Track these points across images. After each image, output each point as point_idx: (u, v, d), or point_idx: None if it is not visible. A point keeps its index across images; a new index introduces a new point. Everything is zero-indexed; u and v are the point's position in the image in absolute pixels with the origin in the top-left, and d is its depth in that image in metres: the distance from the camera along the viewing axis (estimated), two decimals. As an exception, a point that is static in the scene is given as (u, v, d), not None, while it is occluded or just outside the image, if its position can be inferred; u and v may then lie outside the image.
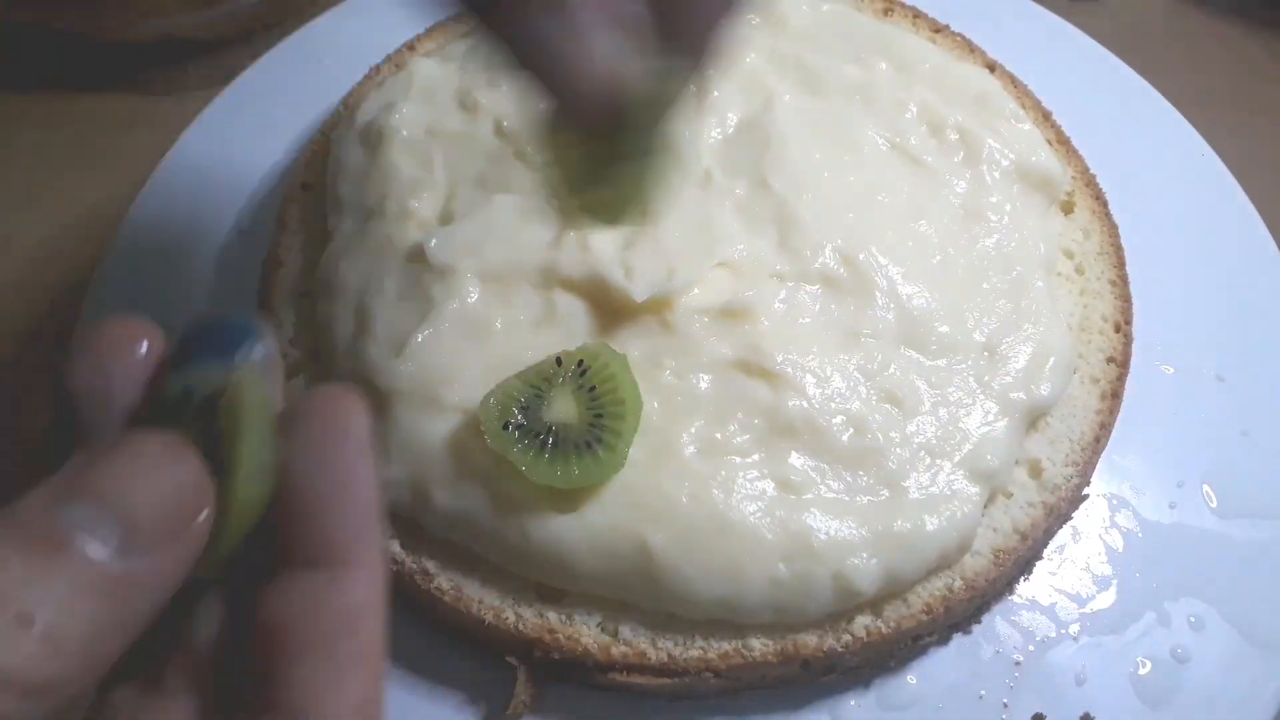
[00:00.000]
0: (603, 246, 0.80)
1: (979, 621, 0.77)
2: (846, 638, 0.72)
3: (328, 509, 0.40)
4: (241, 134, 0.99)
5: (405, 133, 0.88)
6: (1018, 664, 0.75)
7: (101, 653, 0.36)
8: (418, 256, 0.81)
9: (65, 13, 1.06)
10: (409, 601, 0.76)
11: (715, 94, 0.89)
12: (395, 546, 0.75)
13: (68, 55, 1.11)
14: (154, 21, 1.08)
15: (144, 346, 0.42)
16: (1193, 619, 0.77)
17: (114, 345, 0.41)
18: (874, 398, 0.75)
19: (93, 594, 0.35)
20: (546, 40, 0.49)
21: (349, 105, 0.96)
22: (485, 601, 0.74)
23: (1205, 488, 0.82)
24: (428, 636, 0.76)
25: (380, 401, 0.76)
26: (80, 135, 1.08)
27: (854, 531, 0.71)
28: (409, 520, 0.76)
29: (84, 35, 1.09)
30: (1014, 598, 0.78)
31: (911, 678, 0.75)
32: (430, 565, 0.75)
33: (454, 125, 0.89)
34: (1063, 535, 0.80)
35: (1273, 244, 0.91)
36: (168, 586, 0.37)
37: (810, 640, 0.72)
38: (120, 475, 0.37)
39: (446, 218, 0.84)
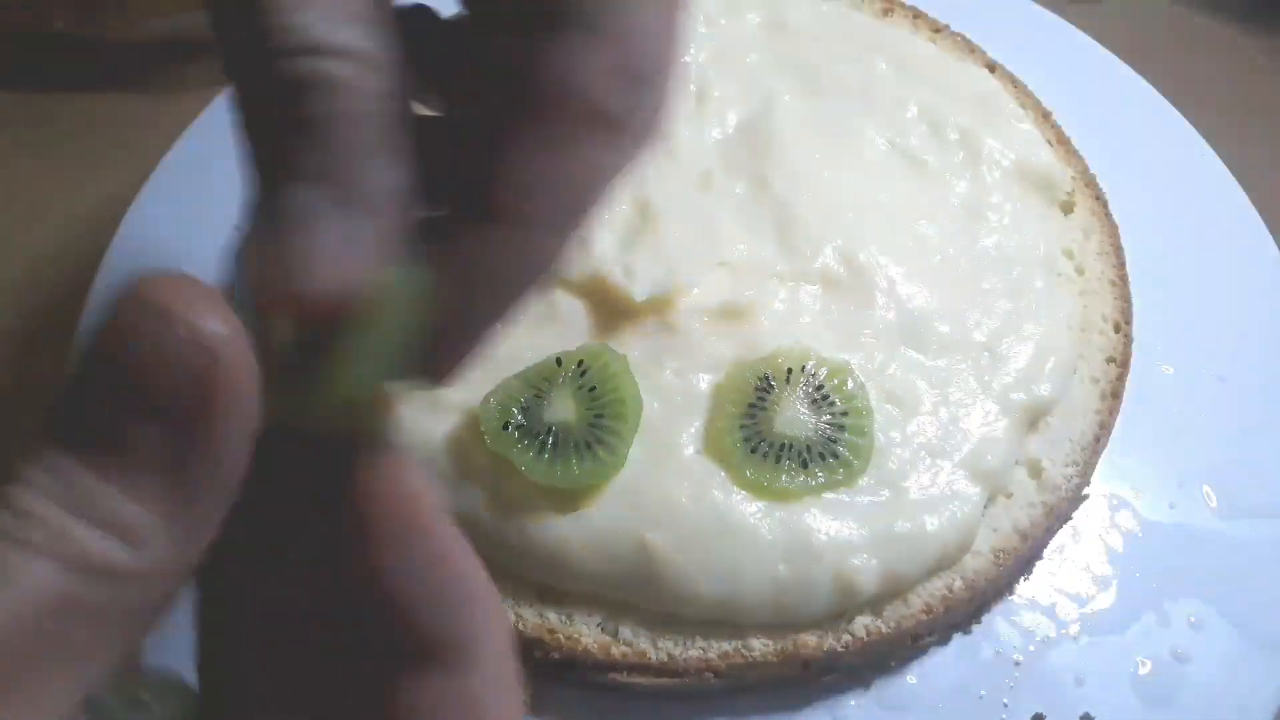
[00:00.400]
0: (602, 247, 0.80)
1: (979, 621, 0.77)
2: (847, 638, 0.72)
3: (438, 606, 0.36)
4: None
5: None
6: (1018, 664, 0.75)
7: (185, 539, 0.33)
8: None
9: (64, 13, 1.06)
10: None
11: (716, 94, 0.89)
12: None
13: (67, 55, 1.11)
14: (155, 22, 1.08)
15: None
16: (1193, 619, 0.77)
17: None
18: (874, 397, 0.75)
19: (150, 479, 0.32)
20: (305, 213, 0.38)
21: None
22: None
23: (1205, 488, 0.82)
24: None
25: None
26: (80, 135, 1.08)
27: (854, 531, 0.71)
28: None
29: (84, 36, 1.09)
30: (1014, 598, 0.78)
31: (911, 678, 0.75)
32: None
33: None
34: (1063, 535, 0.80)
35: (1273, 244, 0.91)
36: (232, 455, 0.33)
37: (811, 640, 0.72)
38: (140, 358, 0.32)
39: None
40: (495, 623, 0.38)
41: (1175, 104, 0.98)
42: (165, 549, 0.32)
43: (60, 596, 0.30)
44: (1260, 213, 0.93)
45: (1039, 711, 0.74)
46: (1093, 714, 0.74)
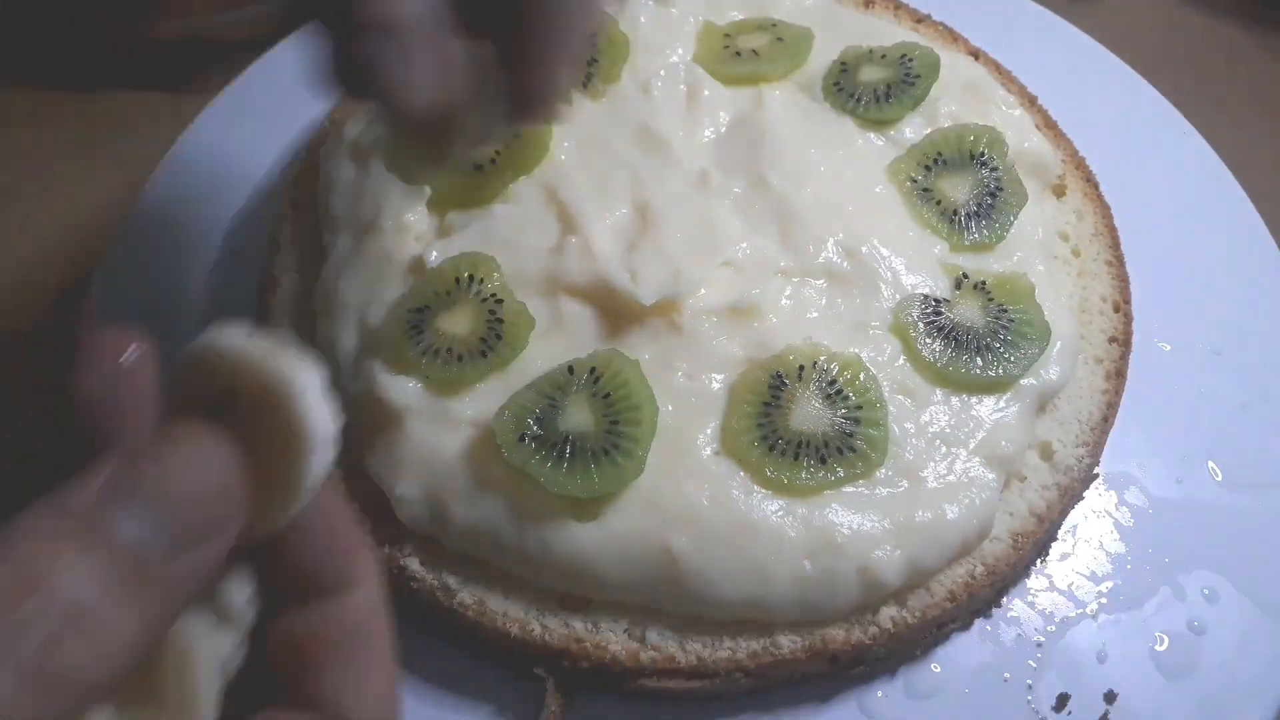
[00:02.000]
0: (607, 252, 0.80)
1: (999, 605, 0.78)
2: (874, 629, 0.72)
3: (320, 546, 0.45)
4: (235, 141, 0.99)
5: (395, 144, 0.87)
6: (1039, 645, 0.76)
7: (146, 646, 0.37)
8: (418, 269, 0.80)
9: (83, 12, 1.05)
10: (433, 619, 0.75)
11: (706, 93, 0.89)
12: (415, 564, 0.75)
13: (68, 55, 1.09)
14: (177, 21, 1.07)
15: (138, 353, 0.42)
16: (1206, 591, 0.78)
17: (115, 354, 0.42)
18: (886, 389, 0.76)
19: (146, 591, 0.36)
20: (378, 60, 0.54)
21: (336, 120, 0.94)
22: (510, 614, 0.73)
23: (1210, 463, 0.83)
24: (453, 653, 0.75)
25: (391, 419, 0.75)
26: (80, 134, 1.07)
27: (876, 524, 0.72)
28: (428, 538, 0.75)
29: (110, 34, 1.08)
30: (1031, 580, 0.79)
31: (936, 665, 0.76)
32: (451, 581, 0.74)
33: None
34: (1075, 515, 0.81)
35: (1260, 219, 0.93)
36: (211, 573, 0.39)
37: (838, 634, 0.72)
38: (168, 472, 0.38)
39: (445, 230, 0.84)
40: (367, 553, 0.46)
41: (1175, 104, 0.99)
42: (134, 655, 0.36)
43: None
44: (1261, 213, 0.94)
45: (1063, 691, 0.74)
46: (1115, 690, 0.74)
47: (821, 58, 0.92)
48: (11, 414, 0.93)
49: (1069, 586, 0.78)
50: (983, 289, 0.80)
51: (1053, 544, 0.80)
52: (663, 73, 0.90)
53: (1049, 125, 0.95)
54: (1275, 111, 1.11)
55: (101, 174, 1.04)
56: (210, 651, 0.40)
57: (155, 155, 0.95)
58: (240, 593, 0.42)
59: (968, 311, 0.79)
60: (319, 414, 0.40)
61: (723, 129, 0.88)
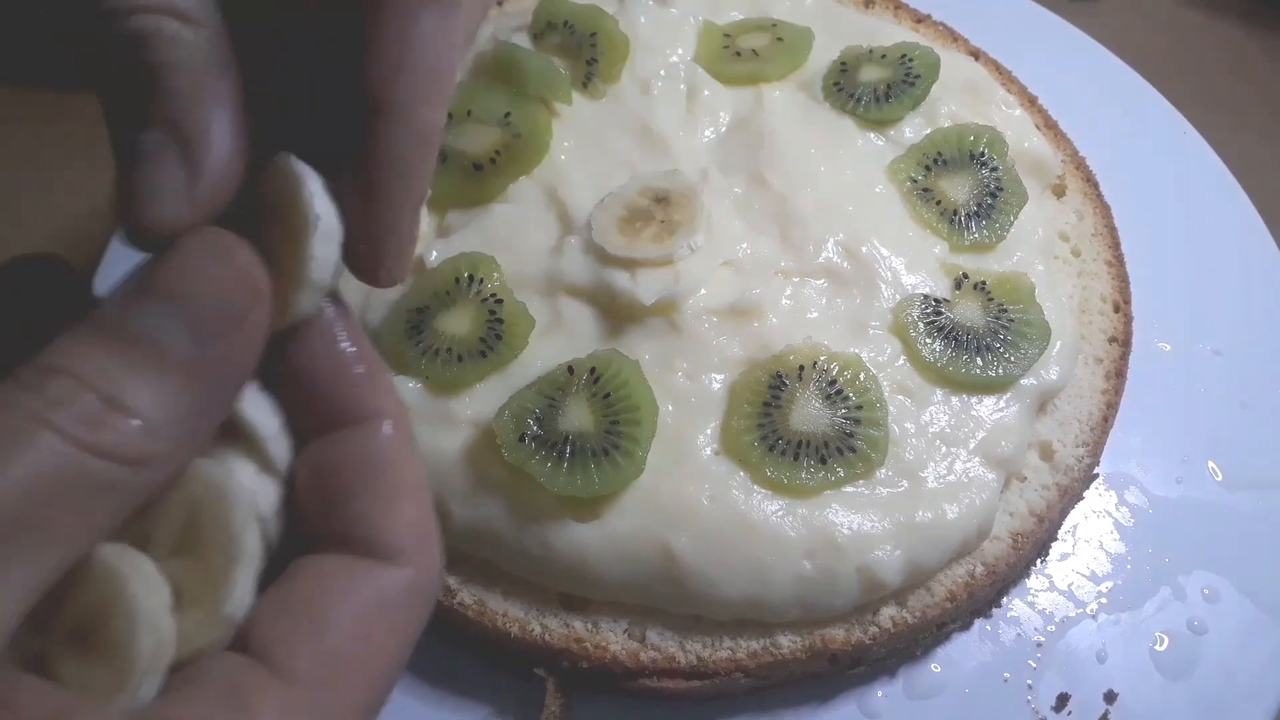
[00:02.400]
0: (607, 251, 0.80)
1: (999, 605, 0.78)
2: (874, 629, 0.72)
3: (341, 372, 0.45)
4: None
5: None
6: (1039, 645, 0.76)
7: (193, 430, 0.40)
8: (418, 269, 0.80)
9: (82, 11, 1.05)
10: (433, 619, 0.75)
11: (705, 93, 0.89)
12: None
13: (67, 55, 1.09)
14: None
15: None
16: (1206, 591, 0.78)
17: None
18: (886, 389, 0.76)
19: (175, 379, 0.39)
20: None
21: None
22: (510, 614, 0.73)
23: (1210, 463, 0.83)
24: (453, 653, 0.75)
25: (391, 419, 0.75)
26: (80, 134, 1.06)
27: (876, 524, 0.72)
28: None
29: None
30: (1031, 580, 0.79)
31: (936, 666, 0.76)
32: (451, 581, 0.74)
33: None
34: (1075, 515, 0.81)
35: (1259, 219, 0.93)
36: (244, 364, 0.41)
37: (838, 634, 0.72)
38: (182, 273, 0.40)
39: (444, 229, 0.84)
40: (388, 392, 0.46)
41: (1175, 104, 1.00)
42: (174, 440, 0.39)
43: (68, 469, 0.36)
44: (1261, 213, 0.94)
45: (1063, 691, 0.74)
46: (1116, 690, 0.74)
47: (821, 58, 0.92)
48: None
49: (1069, 586, 0.78)
50: (983, 289, 0.80)
51: (1053, 544, 0.80)
52: (663, 73, 0.90)
53: (1049, 125, 0.95)
54: (1275, 111, 1.11)
55: (101, 174, 1.04)
56: (248, 499, 0.42)
57: None
58: (269, 420, 0.43)
59: (968, 311, 0.79)
60: (320, 201, 0.43)
61: (723, 129, 0.88)
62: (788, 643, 0.72)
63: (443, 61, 0.45)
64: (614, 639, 0.73)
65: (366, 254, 0.44)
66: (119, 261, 0.89)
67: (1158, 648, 0.76)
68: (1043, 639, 0.76)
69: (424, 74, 0.44)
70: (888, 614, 0.73)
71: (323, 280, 0.43)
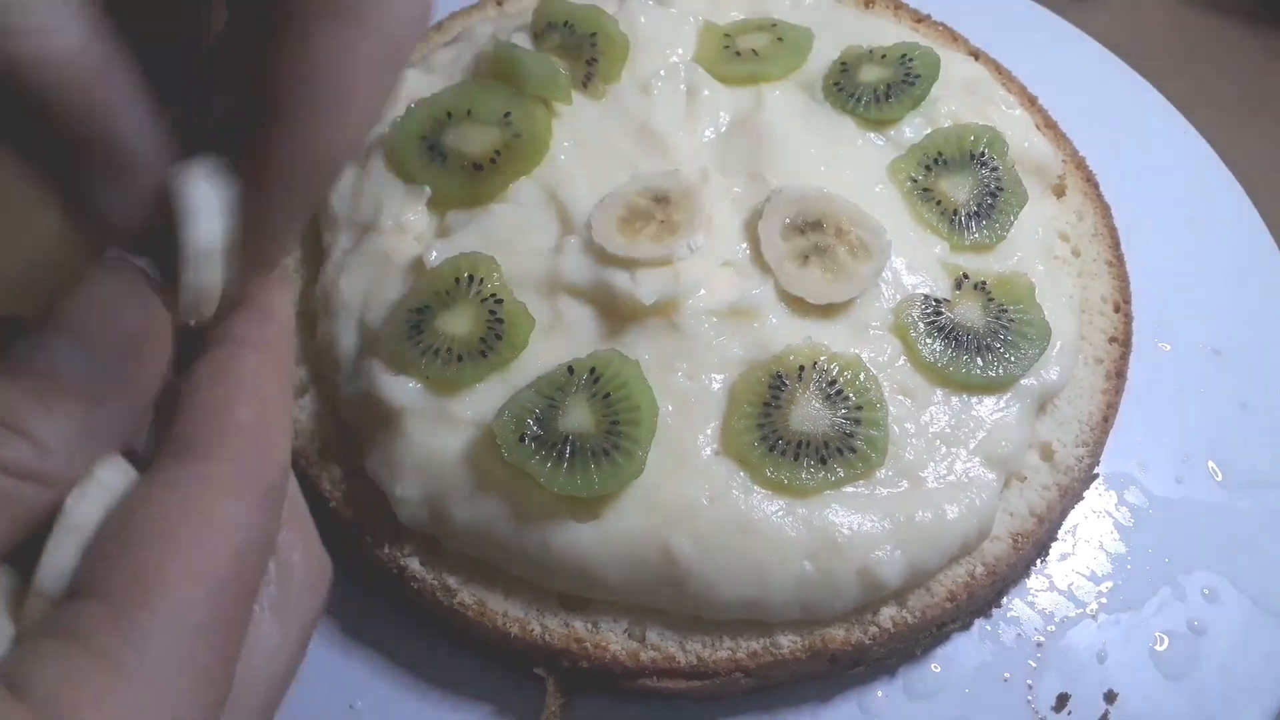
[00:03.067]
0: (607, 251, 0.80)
1: (999, 605, 0.78)
2: (874, 629, 0.72)
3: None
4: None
5: (395, 144, 0.87)
6: (1039, 645, 0.76)
7: (85, 449, 0.42)
8: (418, 269, 0.80)
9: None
10: (433, 619, 0.75)
11: (705, 93, 0.89)
12: (415, 564, 0.75)
13: None
14: None
15: None
16: (1206, 591, 0.78)
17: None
18: (886, 390, 0.76)
19: (70, 405, 0.41)
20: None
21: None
22: (510, 614, 0.73)
23: (1210, 463, 0.83)
24: (453, 653, 0.75)
25: (390, 419, 0.75)
26: None
27: (876, 524, 0.72)
28: (428, 538, 0.75)
29: None
30: (1031, 580, 0.79)
31: (936, 666, 0.76)
32: (452, 581, 0.74)
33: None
34: (1075, 515, 0.81)
35: (1260, 219, 0.93)
36: (141, 390, 0.44)
37: (838, 634, 0.72)
38: (85, 309, 0.43)
39: (444, 229, 0.84)
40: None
41: (1175, 104, 1.00)
42: (67, 459, 0.41)
43: None
44: (1261, 214, 0.94)
45: (1063, 691, 0.74)
46: (1116, 690, 0.74)
47: (822, 57, 0.92)
48: None
49: (1069, 586, 0.78)
50: (983, 289, 0.80)
51: (1053, 544, 0.80)
52: (663, 73, 0.90)
53: (1049, 125, 0.95)
54: (1276, 111, 1.11)
55: None
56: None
57: None
58: None
59: (967, 312, 0.79)
60: (196, 224, 0.44)
61: (723, 128, 0.88)
62: (788, 643, 0.72)
63: (349, 84, 0.44)
64: (614, 639, 0.73)
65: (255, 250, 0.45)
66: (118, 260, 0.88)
67: (1158, 648, 0.76)
68: (1043, 639, 0.76)
69: (323, 89, 0.43)
70: (888, 614, 0.73)
71: (203, 285, 0.45)
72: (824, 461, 0.72)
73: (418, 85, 0.91)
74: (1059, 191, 0.91)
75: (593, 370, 0.74)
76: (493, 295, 0.78)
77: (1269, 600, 0.77)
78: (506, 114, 0.86)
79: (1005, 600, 0.78)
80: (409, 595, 0.74)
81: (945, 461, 0.75)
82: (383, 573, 0.75)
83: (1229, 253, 0.92)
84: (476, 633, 0.74)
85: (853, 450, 0.73)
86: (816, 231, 0.80)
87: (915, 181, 0.85)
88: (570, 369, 0.74)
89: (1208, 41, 1.16)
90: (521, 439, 0.72)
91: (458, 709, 0.74)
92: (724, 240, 0.81)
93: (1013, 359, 0.77)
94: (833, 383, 0.74)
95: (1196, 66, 1.12)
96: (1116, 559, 0.79)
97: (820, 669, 0.73)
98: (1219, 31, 1.18)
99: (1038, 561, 0.79)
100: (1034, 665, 0.75)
